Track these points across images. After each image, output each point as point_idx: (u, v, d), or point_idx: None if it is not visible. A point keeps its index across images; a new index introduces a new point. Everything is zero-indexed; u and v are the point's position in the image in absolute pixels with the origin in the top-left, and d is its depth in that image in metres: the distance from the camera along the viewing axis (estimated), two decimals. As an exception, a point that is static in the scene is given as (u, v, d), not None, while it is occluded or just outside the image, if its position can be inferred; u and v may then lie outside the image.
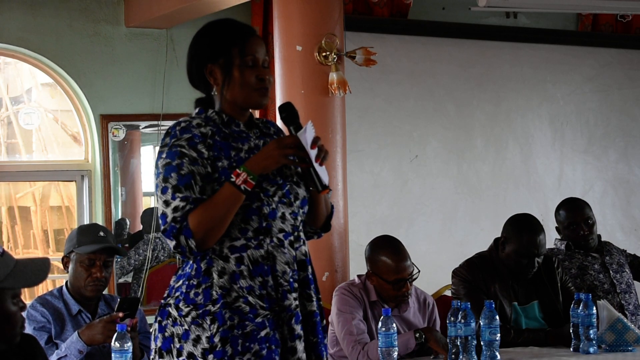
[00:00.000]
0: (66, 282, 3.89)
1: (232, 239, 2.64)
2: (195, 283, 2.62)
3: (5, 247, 2.46)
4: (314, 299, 2.77)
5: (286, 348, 2.67)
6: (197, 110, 2.77)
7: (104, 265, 3.83)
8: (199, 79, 2.77)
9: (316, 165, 2.67)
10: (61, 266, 3.98)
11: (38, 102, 6.38)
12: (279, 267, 2.67)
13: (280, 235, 2.69)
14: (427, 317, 4.17)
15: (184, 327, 2.61)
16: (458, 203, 6.36)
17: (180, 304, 2.62)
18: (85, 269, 3.81)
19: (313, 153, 2.67)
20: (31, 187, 7.47)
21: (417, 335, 3.78)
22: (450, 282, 4.30)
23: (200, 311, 2.60)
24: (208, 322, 2.59)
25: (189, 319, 2.61)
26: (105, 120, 5.98)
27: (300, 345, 2.69)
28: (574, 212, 4.76)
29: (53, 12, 5.89)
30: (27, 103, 6.42)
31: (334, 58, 4.70)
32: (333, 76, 4.70)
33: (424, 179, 6.27)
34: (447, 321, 3.56)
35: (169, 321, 2.64)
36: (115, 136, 6.03)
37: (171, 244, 2.61)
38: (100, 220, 5.90)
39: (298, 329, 2.69)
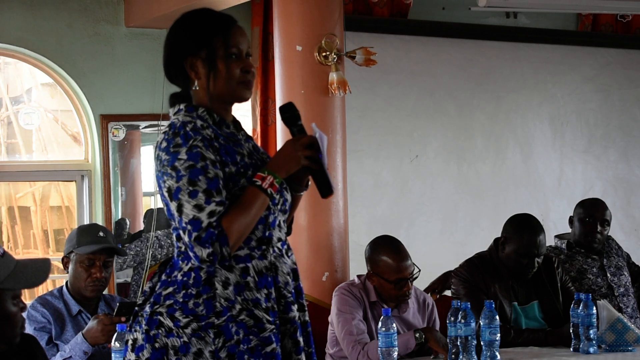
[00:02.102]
0: (66, 282, 3.90)
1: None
2: (194, 293, 2.46)
3: (5, 247, 2.46)
4: (306, 309, 2.67)
5: None
6: (182, 107, 2.60)
7: (103, 266, 3.84)
8: (177, 73, 2.62)
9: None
10: (61, 266, 3.98)
11: (38, 102, 6.37)
12: (281, 278, 2.57)
13: (279, 245, 2.60)
14: (427, 317, 4.18)
15: (182, 339, 2.45)
16: (458, 203, 6.36)
17: (177, 314, 2.45)
18: (85, 269, 3.81)
19: (326, 157, 2.61)
20: (31, 187, 7.47)
21: (417, 335, 3.78)
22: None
23: (203, 323, 2.44)
24: (212, 335, 2.45)
25: (188, 330, 2.45)
26: (105, 120, 5.98)
27: (304, 358, 2.59)
28: (596, 208, 4.77)
29: (53, 12, 5.89)
30: (27, 103, 6.42)
31: (334, 58, 4.70)
32: (333, 76, 4.70)
33: (424, 179, 6.27)
34: (447, 321, 3.56)
35: (160, 331, 2.46)
36: (115, 136, 6.03)
37: (204, 252, 2.42)
38: (100, 220, 5.90)
39: (302, 341, 2.59)
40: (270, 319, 2.51)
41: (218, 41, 2.58)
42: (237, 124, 2.69)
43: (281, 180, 2.50)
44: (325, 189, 2.62)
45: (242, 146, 2.60)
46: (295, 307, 2.59)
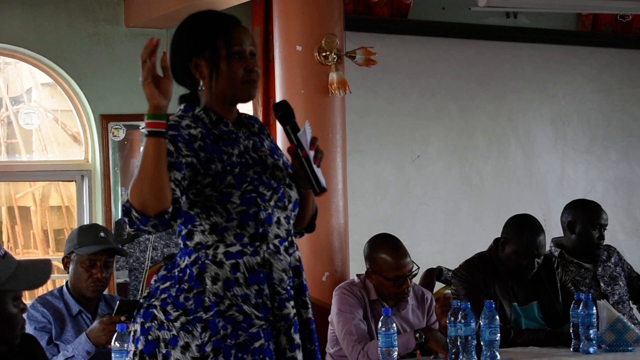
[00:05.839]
0: (66, 282, 3.90)
1: (227, 244, 2.55)
2: (185, 287, 2.52)
3: (5, 248, 2.45)
4: (309, 306, 2.69)
5: (285, 358, 2.58)
6: (182, 106, 2.67)
7: (104, 266, 3.84)
8: (183, 74, 2.67)
9: (314, 166, 2.62)
10: (61, 266, 3.98)
11: (38, 102, 6.37)
12: (276, 275, 2.58)
13: (276, 241, 2.61)
14: (426, 311, 4.18)
15: (172, 333, 2.50)
16: (460, 203, 6.35)
17: (169, 307, 2.52)
18: (86, 269, 3.82)
19: (312, 154, 2.62)
20: (31, 187, 7.45)
21: (417, 335, 3.78)
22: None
23: (191, 317, 2.50)
24: (199, 329, 2.49)
25: (177, 324, 2.50)
26: (105, 120, 5.98)
27: (299, 355, 2.60)
28: (600, 215, 4.71)
29: (53, 12, 5.89)
30: (27, 103, 6.41)
31: (334, 58, 4.69)
32: (333, 76, 4.69)
33: (426, 179, 6.26)
34: (447, 321, 3.56)
35: (153, 324, 2.53)
36: (115, 136, 6.02)
37: (127, 227, 2.52)
38: (100, 221, 5.89)
39: (297, 338, 2.60)
40: (260, 315, 2.54)
41: (221, 41, 2.63)
42: (239, 122, 2.71)
43: (161, 115, 2.57)
44: (314, 187, 2.63)
45: (235, 145, 2.63)
46: (290, 304, 2.60)
